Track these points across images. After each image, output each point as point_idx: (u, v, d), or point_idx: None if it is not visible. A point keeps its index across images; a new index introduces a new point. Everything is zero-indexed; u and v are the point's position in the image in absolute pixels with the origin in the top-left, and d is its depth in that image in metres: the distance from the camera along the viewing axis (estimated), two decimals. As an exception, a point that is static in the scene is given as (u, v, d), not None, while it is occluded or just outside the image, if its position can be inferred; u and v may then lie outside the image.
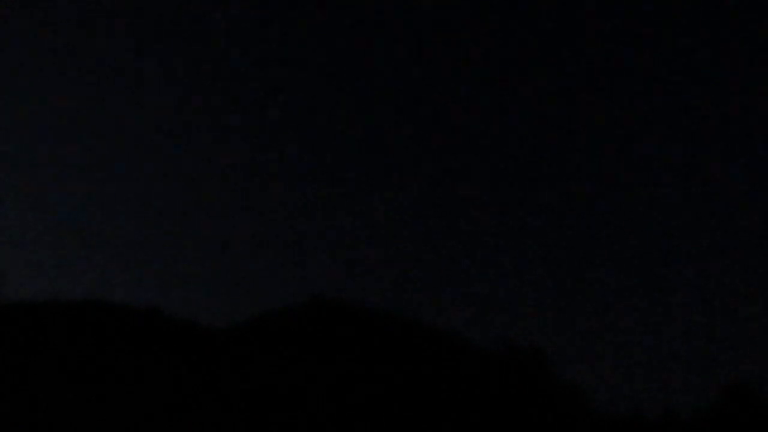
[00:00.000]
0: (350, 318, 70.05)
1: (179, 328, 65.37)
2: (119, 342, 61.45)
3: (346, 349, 65.79)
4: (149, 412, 55.53)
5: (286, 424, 57.51)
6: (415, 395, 62.48)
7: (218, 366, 61.54)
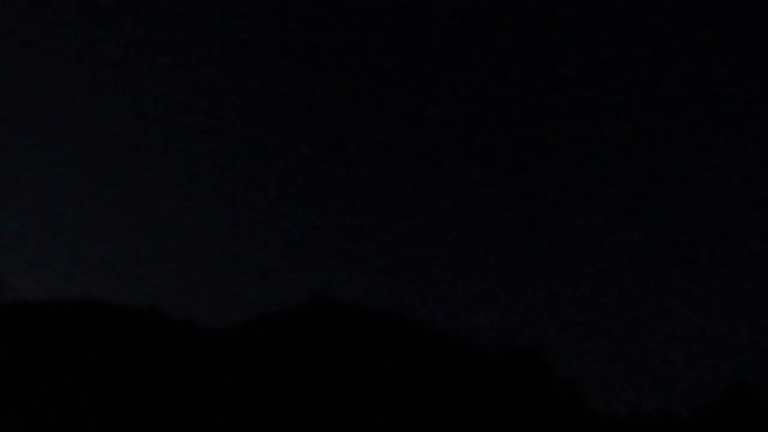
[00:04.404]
0: (350, 318, 70.03)
1: (179, 328, 65.36)
2: (119, 342, 61.46)
3: (345, 348, 65.79)
4: (149, 410, 55.53)
5: (286, 423, 57.51)
6: (415, 394, 62.48)
7: (218, 366, 61.55)
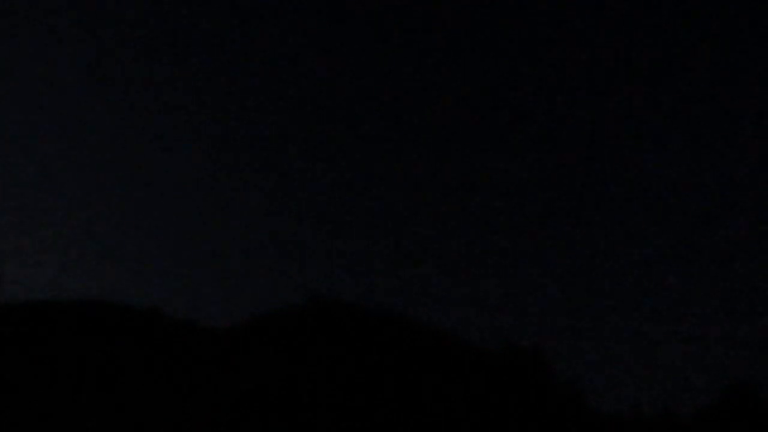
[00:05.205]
0: (350, 318, 70.03)
1: (179, 328, 65.36)
2: (119, 342, 61.45)
3: (345, 348, 65.78)
4: (149, 410, 55.52)
5: (286, 423, 57.49)
6: (415, 394, 62.47)
7: (218, 366, 61.54)
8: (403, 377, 63.84)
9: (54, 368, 57.67)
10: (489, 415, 62.51)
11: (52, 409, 54.20)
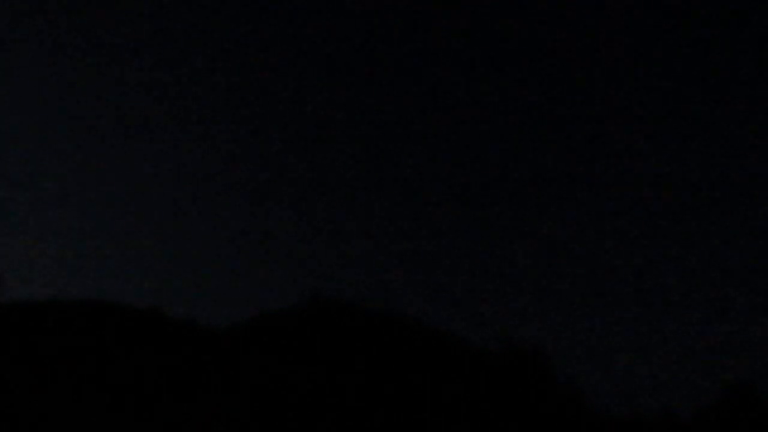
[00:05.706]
0: (350, 318, 70.04)
1: (179, 328, 65.36)
2: (119, 342, 61.45)
3: (345, 349, 65.78)
4: (149, 411, 55.51)
5: (286, 423, 57.49)
6: (414, 395, 62.46)
7: (218, 366, 61.53)
8: (403, 377, 63.85)
9: (54, 368, 57.67)
10: (489, 415, 62.52)
11: (52, 409, 54.19)
